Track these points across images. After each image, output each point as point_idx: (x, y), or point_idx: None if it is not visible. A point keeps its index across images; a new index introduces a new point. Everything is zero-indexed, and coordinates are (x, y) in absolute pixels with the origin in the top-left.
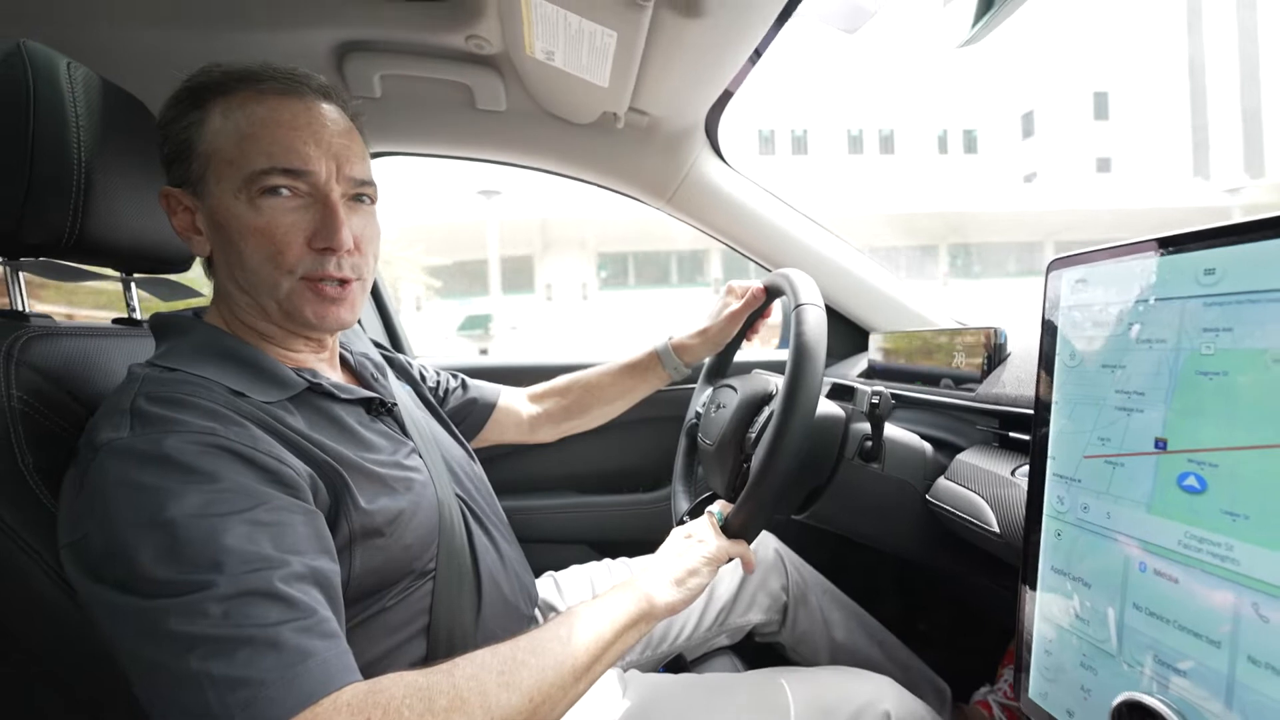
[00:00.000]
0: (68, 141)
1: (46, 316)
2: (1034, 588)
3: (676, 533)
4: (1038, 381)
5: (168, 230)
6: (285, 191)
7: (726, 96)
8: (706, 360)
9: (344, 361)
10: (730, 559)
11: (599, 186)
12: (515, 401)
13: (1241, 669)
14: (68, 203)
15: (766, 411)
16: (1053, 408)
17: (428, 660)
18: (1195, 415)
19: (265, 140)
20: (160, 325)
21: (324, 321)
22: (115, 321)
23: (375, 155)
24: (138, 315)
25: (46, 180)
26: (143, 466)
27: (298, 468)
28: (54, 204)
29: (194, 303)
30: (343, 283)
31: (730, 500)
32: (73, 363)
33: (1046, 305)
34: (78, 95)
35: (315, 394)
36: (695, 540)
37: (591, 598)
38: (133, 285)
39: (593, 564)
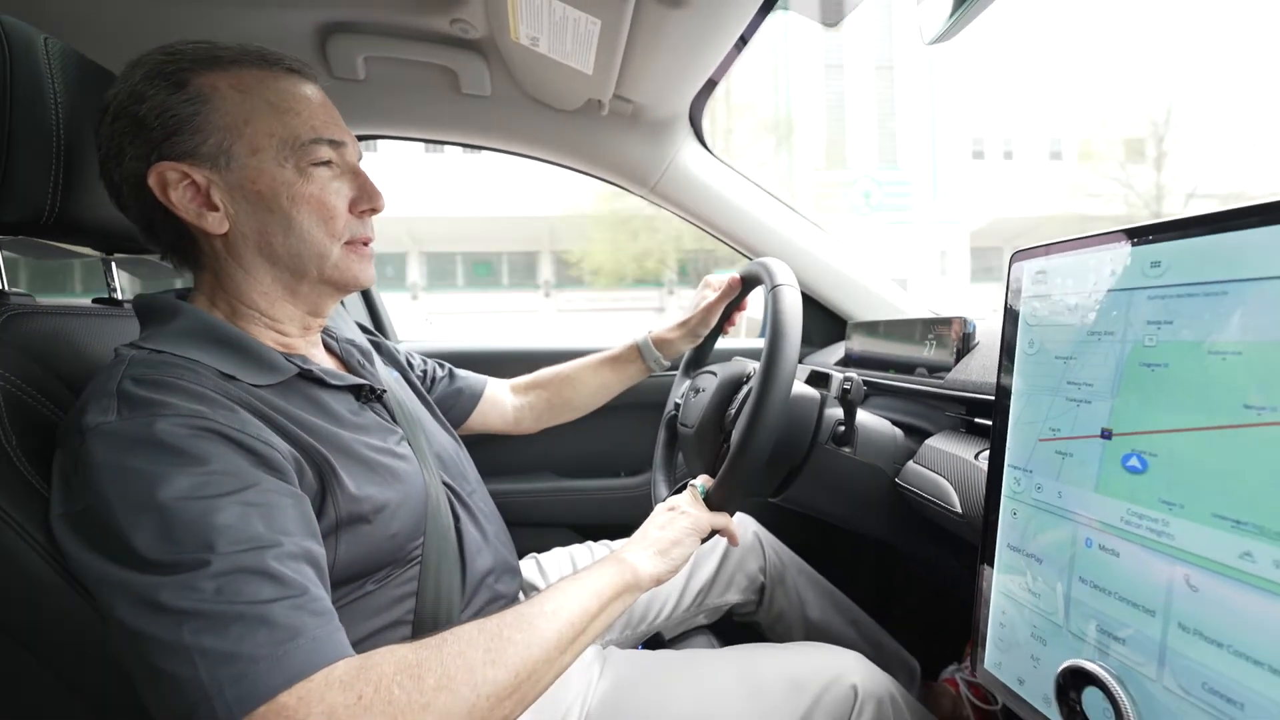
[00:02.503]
0: (46, 118)
1: (26, 295)
2: (991, 565)
3: (660, 507)
4: (999, 368)
5: None
6: (331, 162)
7: (711, 85)
8: (685, 353)
9: (329, 349)
10: (713, 532)
11: (582, 173)
12: (500, 392)
13: (1173, 635)
14: (47, 180)
15: (745, 389)
16: (1012, 394)
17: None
18: (1139, 403)
19: (305, 114)
20: (145, 307)
21: (366, 277)
22: (95, 301)
23: (360, 139)
24: (118, 295)
25: (25, 158)
26: (131, 450)
27: (285, 452)
28: (33, 182)
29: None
30: (366, 244)
31: (712, 478)
32: (55, 341)
33: (1009, 294)
34: (55, 71)
35: (305, 380)
36: (679, 513)
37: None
38: (113, 265)
39: (575, 545)
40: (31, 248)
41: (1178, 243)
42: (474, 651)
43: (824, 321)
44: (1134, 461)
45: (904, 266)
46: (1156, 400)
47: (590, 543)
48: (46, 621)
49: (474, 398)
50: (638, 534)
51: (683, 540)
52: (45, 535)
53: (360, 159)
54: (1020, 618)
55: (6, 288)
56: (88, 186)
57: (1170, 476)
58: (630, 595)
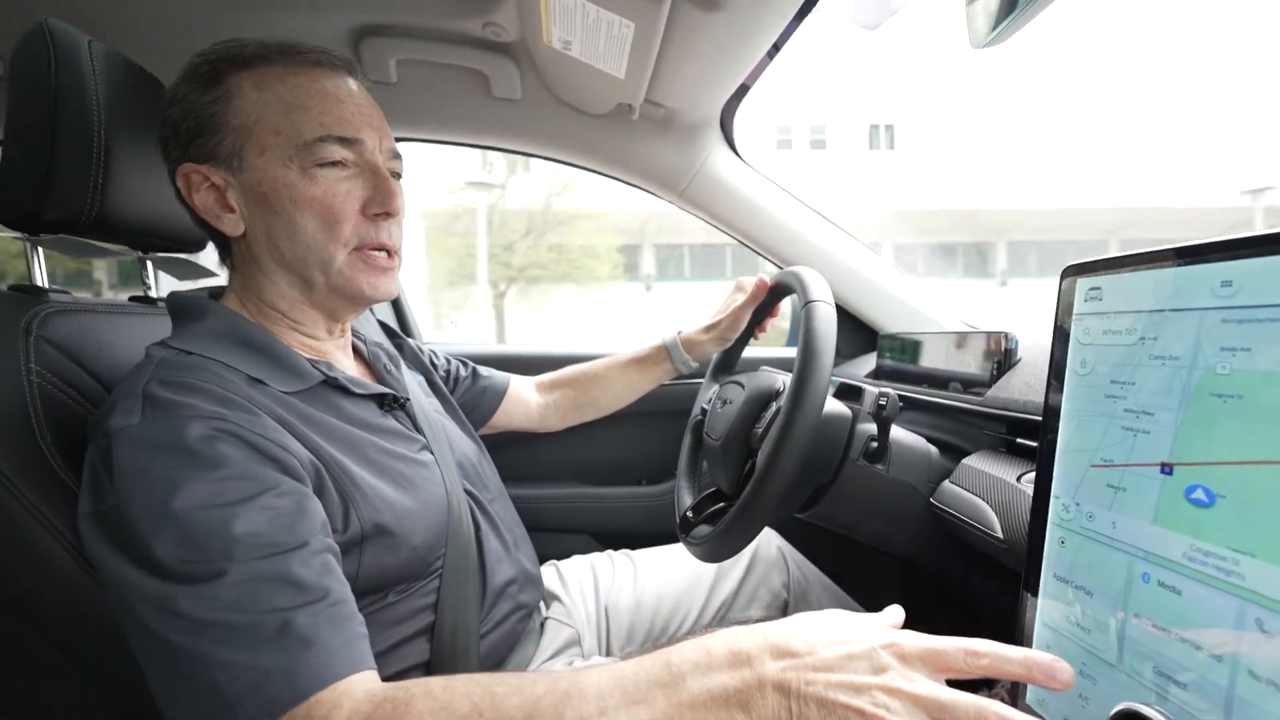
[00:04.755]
0: (89, 120)
1: (65, 291)
2: (1035, 595)
3: (863, 634)
4: (1047, 388)
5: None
6: (340, 161)
7: (743, 90)
8: (714, 356)
9: (356, 351)
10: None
11: (611, 178)
12: (524, 390)
13: (1242, 683)
14: (88, 181)
15: (773, 408)
16: (1061, 416)
17: (432, 655)
18: (1207, 435)
19: (316, 110)
20: (177, 306)
21: (376, 292)
22: (131, 299)
23: None
24: (153, 294)
25: (68, 159)
26: (152, 454)
27: (304, 460)
28: (75, 182)
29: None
30: (389, 254)
31: (734, 496)
32: (90, 339)
33: (1060, 311)
34: (99, 73)
35: (329, 387)
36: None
37: (664, 660)
38: (149, 264)
39: (595, 554)
40: (69, 246)
41: (1253, 260)
42: None
43: (854, 332)
44: (1199, 494)
45: None
46: (1228, 434)
47: (611, 552)
48: (73, 618)
49: (498, 396)
50: (790, 683)
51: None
52: (75, 533)
53: (394, 158)
54: (1067, 653)
55: (45, 284)
56: (126, 187)
57: (1242, 513)
58: None
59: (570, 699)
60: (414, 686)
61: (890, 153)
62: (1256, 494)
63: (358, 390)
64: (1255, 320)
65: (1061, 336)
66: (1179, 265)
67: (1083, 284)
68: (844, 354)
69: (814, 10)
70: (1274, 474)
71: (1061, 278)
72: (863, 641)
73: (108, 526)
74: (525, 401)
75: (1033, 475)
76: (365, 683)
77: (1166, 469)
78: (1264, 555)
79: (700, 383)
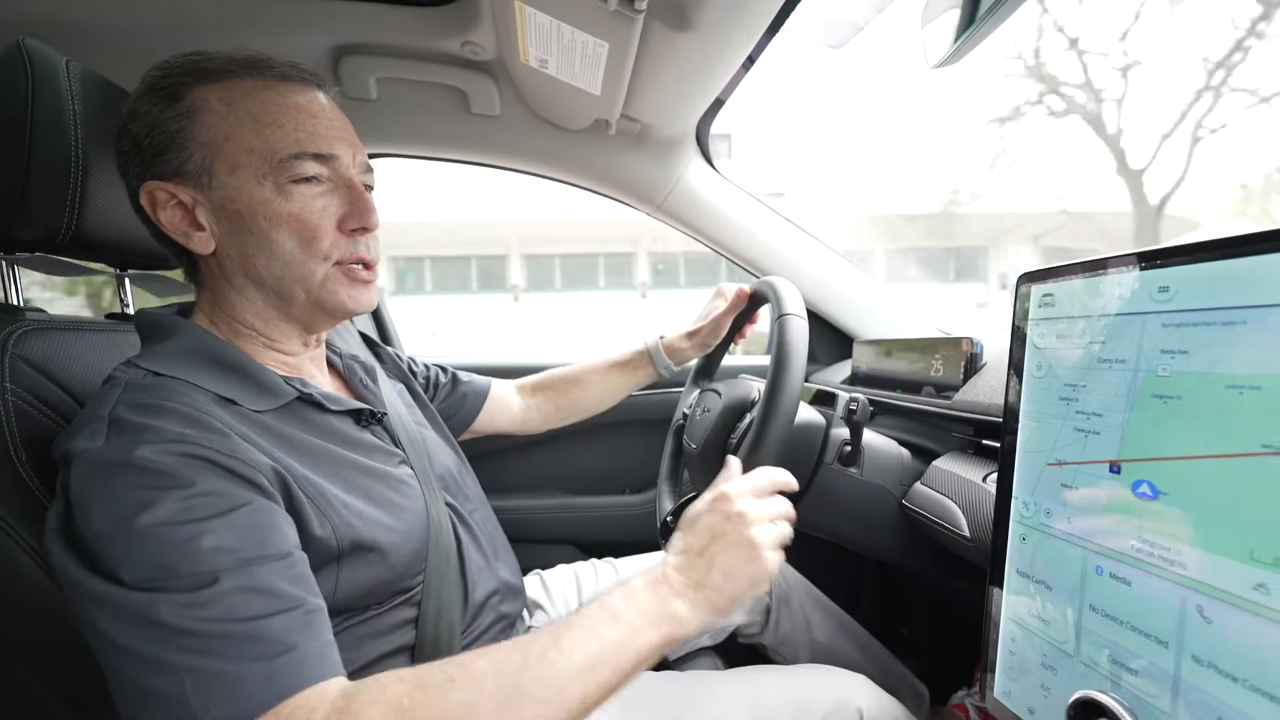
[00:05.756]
0: (65, 139)
1: (40, 310)
2: (1000, 590)
3: (707, 507)
4: (1007, 389)
5: None
6: (316, 178)
7: (718, 104)
8: (694, 361)
9: (330, 365)
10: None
11: (591, 191)
12: (505, 393)
13: (1186, 668)
14: (64, 199)
15: (749, 417)
16: (1020, 418)
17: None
18: (1150, 434)
19: (290, 126)
20: (146, 324)
21: (358, 304)
22: (108, 316)
23: (371, 157)
24: (130, 311)
25: (44, 177)
26: (116, 475)
27: (275, 477)
28: (50, 201)
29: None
30: (367, 266)
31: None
32: (66, 357)
33: (1016, 315)
34: (76, 93)
35: (304, 404)
36: (738, 531)
37: (599, 604)
38: (126, 281)
39: (579, 563)
40: (46, 264)
41: (1186, 267)
42: (485, 704)
43: (830, 339)
44: (1144, 489)
45: None
46: (1169, 432)
47: (595, 560)
48: (48, 636)
49: (479, 399)
50: (688, 573)
51: (755, 586)
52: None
53: (366, 171)
54: (1030, 645)
55: (21, 302)
56: (103, 205)
57: (1182, 505)
58: (671, 647)
59: (533, 646)
60: (385, 675)
61: (729, 161)
62: (1195, 487)
63: (333, 406)
64: (1190, 324)
65: (1019, 340)
66: (1121, 272)
67: (1036, 290)
68: (821, 360)
69: (783, 29)
70: (1209, 468)
71: (1017, 284)
72: (706, 513)
73: (73, 543)
74: (507, 404)
75: (996, 475)
76: (340, 684)
77: (1115, 467)
78: (1202, 545)
79: (680, 392)
